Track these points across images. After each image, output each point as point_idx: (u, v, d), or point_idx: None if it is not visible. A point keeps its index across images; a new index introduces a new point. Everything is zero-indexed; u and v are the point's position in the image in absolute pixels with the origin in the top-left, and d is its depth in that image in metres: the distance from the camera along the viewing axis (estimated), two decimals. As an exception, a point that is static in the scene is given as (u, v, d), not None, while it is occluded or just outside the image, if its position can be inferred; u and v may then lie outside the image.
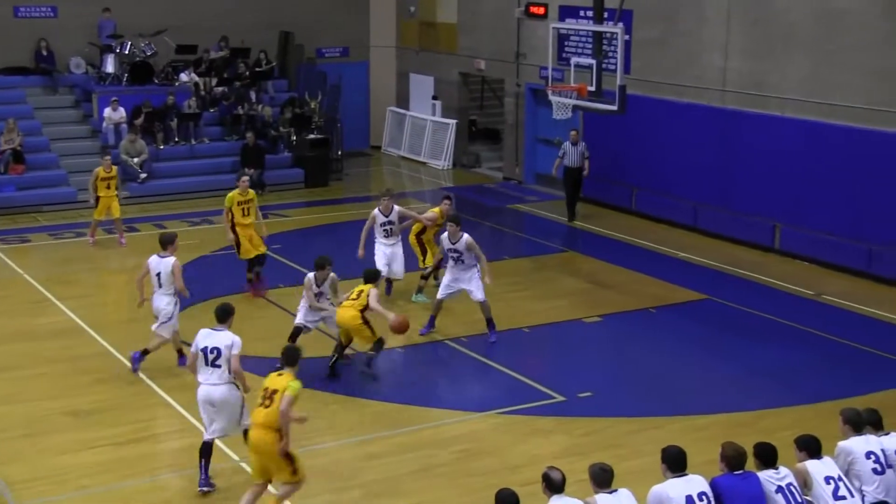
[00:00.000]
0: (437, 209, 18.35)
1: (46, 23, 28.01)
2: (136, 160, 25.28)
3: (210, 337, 11.66)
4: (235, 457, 12.42)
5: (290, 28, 30.45)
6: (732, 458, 9.01)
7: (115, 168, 21.86)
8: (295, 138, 27.78)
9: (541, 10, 26.39)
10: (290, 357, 11.01)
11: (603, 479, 8.76)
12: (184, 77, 28.07)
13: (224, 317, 11.90)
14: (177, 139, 26.89)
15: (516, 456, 12.52)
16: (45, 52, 27.70)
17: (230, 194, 18.36)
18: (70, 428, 13.31)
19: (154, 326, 14.92)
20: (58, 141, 26.39)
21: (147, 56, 27.66)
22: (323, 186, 27.32)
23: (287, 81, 30.31)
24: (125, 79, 27.32)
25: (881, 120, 19.06)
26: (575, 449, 12.61)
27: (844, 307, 18.06)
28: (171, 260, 14.75)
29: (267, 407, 10.60)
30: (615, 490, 8.74)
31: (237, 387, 11.62)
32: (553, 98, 20.14)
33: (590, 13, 22.08)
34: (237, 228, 18.29)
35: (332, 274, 15.16)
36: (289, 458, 10.72)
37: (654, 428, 13.25)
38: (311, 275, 15.23)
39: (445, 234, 16.20)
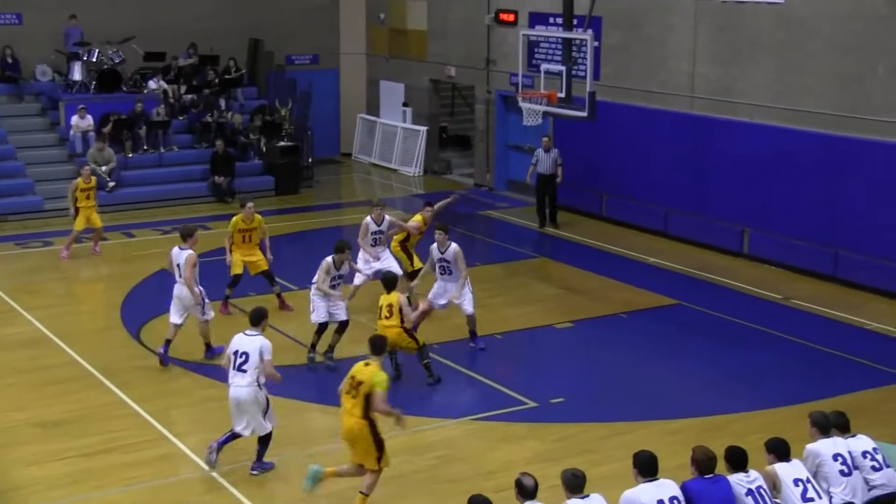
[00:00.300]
0: (419, 216, 18.06)
1: (11, 30, 27.79)
2: (104, 168, 25.11)
3: (242, 341, 12.08)
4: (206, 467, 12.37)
5: (260, 35, 30.37)
6: (703, 462, 9.03)
7: (94, 178, 21.54)
8: (265, 146, 27.69)
9: (511, 17, 26.45)
10: (377, 346, 11.33)
11: (575, 484, 8.77)
12: (152, 85, 27.93)
13: (257, 320, 12.27)
14: (145, 147, 26.74)
15: (490, 462, 12.52)
16: (10, 60, 27.49)
17: (234, 219, 17.63)
18: (38, 439, 13.18)
19: (173, 319, 15.44)
20: (24, 149, 26.17)
21: (115, 63, 27.49)
22: (293, 194, 27.24)
23: (257, 89, 30.22)
24: (93, 86, 27.15)
25: (848, 126, 19.20)
26: (547, 454, 12.62)
27: (812, 311, 18.16)
28: (188, 252, 15.17)
29: (354, 397, 10.96)
30: (587, 495, 8.74)
31: (261, 389, 12.01)
32: (523, 105, 20.18)
33: (559, 20, 22.15)
34: (234, 251, 17.67)
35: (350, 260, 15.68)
36: (379, 446, 11.04)
37: (626, 433, 13.28)
38: (329, 258, 15.40)
39: (434, 244, 16.12)
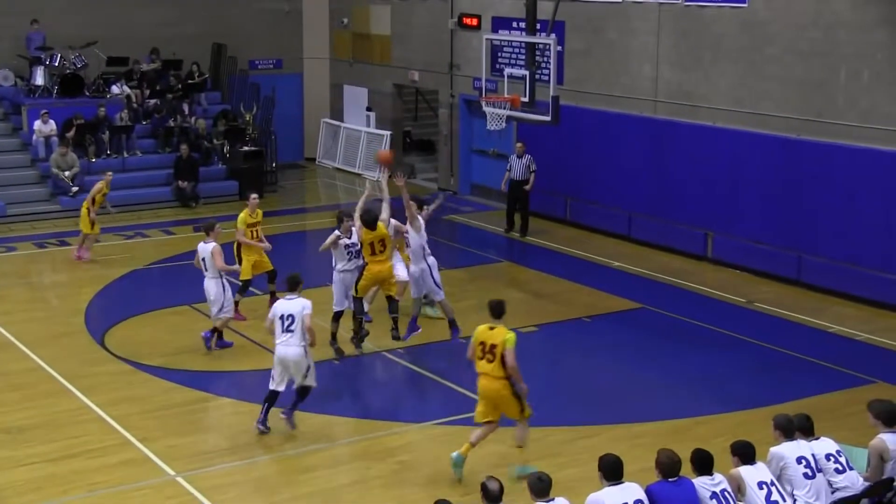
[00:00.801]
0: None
1: (-27, 35, 27.59)
2: (67, 173, 24.93)
3: (285, 306, 13.07)
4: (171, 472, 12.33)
5: (223, 40, 30.27)
6: (666, 466, 9.09)
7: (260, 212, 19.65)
8: (228, 151, 27.60)
9: (474, 22, 26.51)
10: (497, 310, 12.04)
11: (540, 488, 8.80)
12: (115, 89, 27.78)
13: (294, 286, 13.29)
14: (109, 152, 26.57)
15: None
16: (-29, 65, 27.29)
17: (241, 215, 17.45)
18: (1, 445, 13.07)
19: (212, 315, 16.03)
20: (-14, 154, 25.99)
21: (77, 68, 27.33)
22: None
23: (220, 93, 30.13)
24: (55, 91, 26.97)
25: (810, 129, 19.38)
26: (512, 458, 12.63)
27: (775, 314, 18.31)
28: (212, 245, 15.77)
29: (490, 361, 11.79)
30: (552, 499, 8.78)
31: (306, 350, 13.01)
32: (487, 109, 20.25)
33: (522, 24, 22.23)
34: (242, 250, 17.50)
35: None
36: (519, 399, 11.91)
37: (591, 436, 13.33)
38: (336, 232, 15.73)
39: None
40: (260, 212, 17.83)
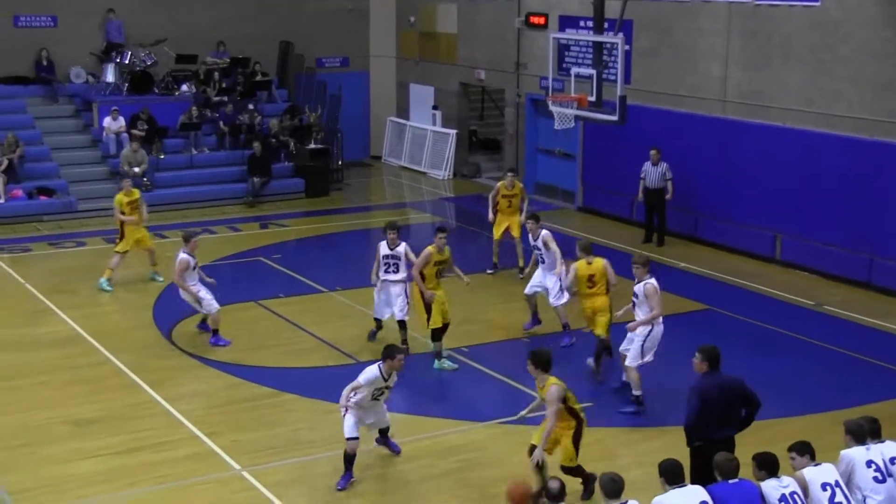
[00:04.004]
0: (430, 247, 15.66)
1: (47, 32, 28.05)
2: (137, 170, 25.28)
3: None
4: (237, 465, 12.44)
5: (291, 38, 30.49)
6: (725, 467, 9.13)
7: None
8: (295, 148, 27.79)
9: (541, 20, 26.43)
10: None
11: (612, 489, 8.77)
12: (184, 87, 28.10)
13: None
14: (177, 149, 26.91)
15: (517, 466, 12.43)
16: (45, 62, 27.74)
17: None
18: (70, 437, 13.30)
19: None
20: (58, 150, 26.42)
21: (147, 66, 27.69)
22: (323, 196, 27.33)
23: (287, 91, 30.34)
24: (125, 88, 27.35)
25: (882, 130, 19.08)
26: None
27: (845, 317, 18.06)
28: (179, 256, 16.28)
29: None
30: (624, 501, 8.74)
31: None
32: (554, 108, 20.16)
33: (590, 23, 22.10)
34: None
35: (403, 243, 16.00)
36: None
37: (654, 438, 13.26)
38: (382, 244, 15.96)
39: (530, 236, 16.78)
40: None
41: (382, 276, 15.89)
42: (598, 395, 14.71)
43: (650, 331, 14.02)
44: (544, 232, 16.81)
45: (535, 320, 17.23)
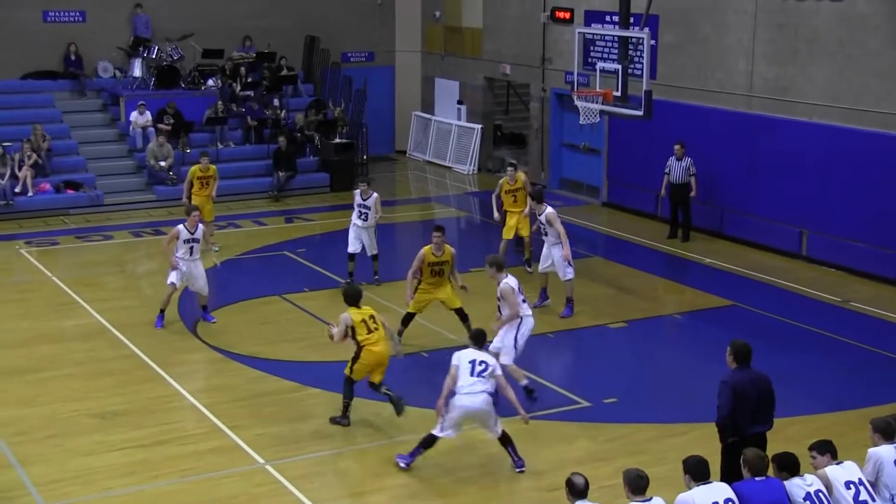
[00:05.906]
0: (426, 247, 15.69)
1: (75, 27, 28.20)
2: (163, 164, 25.40)
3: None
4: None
5: (316, 32, 30.55)
6: (755, 464, 9.04)
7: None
8: (320, 143, 27.85)
9: (566, 15, 26.38)
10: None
11: (638, 486, 8.74)
12: (210, 82, 28.20)
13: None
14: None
15: (541, 461, 12.49)
16: (73, 57, 27.90)
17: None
18: (96, 429, 13.38)
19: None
20: (86, 144, 26.57)
21: (174, 60, 27.81)
22: (348, 191, 27.23)
23: (312, 86, 30.40)
24: (152, 83, 27.48)
25: (909, 126, 18.97)
26: (599, 454, 12.60)
27: (871, 314, 17.95)
28: (177, 227, 17.12)
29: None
30: (649, 499, 8.71)
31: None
32: (579, 103, 20.13)
33: (615, 18, 22.07)
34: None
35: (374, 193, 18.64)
36: None
37: (678, 434, 13.21)
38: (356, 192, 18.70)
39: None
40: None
41: (354, 220, 18.83)
42: (624, 391, 14.68)
43: (519, 325, 14.01)
44: (549, 210, 17.36)
45: (544, 296, 17.84)
